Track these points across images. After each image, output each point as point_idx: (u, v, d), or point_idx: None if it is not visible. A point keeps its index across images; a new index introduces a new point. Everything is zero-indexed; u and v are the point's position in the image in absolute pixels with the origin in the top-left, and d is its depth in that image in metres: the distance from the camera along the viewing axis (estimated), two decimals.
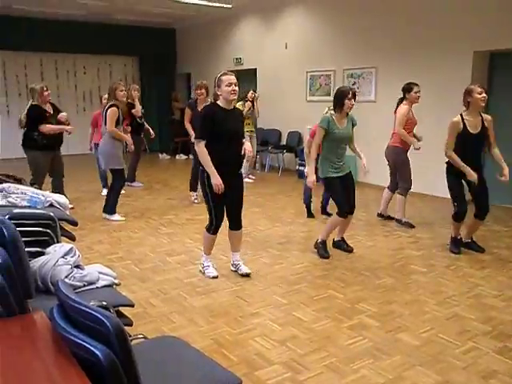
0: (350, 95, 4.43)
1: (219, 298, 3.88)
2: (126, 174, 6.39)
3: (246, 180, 8.67)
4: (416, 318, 3.51)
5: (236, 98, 3.98)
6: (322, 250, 4.82)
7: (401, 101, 5.67)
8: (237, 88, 3.91)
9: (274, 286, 4.10)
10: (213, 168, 3.87)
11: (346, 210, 4.65)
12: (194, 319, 3.49)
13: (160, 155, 11.87)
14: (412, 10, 7.31)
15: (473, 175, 4.51)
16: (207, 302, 3.78)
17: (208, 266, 4.31)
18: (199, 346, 2.98)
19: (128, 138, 5.97)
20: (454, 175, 4.68)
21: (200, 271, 4.36)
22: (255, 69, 10.63)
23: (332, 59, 8.76)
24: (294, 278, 4.26)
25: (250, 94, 8.74)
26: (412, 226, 5.76)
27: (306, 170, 4.93)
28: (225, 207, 4.14)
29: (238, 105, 8.73)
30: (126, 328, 2.55)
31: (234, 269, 4.39)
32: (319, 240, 4.87)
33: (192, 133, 6.30)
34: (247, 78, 11.12)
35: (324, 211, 6.28)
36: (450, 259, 4.72)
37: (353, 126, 4.66)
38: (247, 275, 4.28)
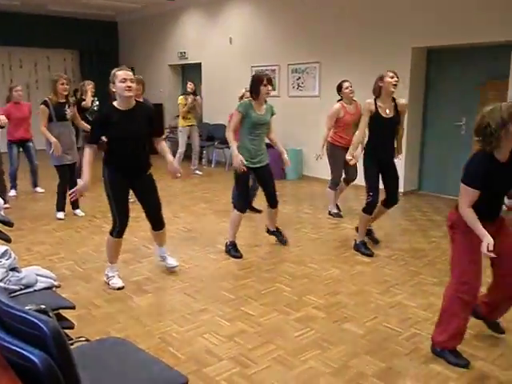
0: (265, 81, 4.39)
1: (166, 295, 3.82)
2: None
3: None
4: (361, 307, 3.60)
5: (132, 95, 3.63)
6: (232, 251, 4.69)
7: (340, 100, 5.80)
8: (133, 84, 3.59)
9: (222, 281, 4.09)
10: (85, 168, 3.72)
11: (244, 206, 4.63)
12: (141, 318, 3.42)
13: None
14: (354, 6, 7.45)
15: None
16: (154, 301, 3.72)
17: (112, 277, 3.97)
18: (146, 346, 2.93)
19: (52, 138, 5.58)
20: (371, 164, 4.60)
21: (105, 282, 4.02)
22: (200, 63, 10.53)
23: (276, 54, 8.81)
24: (242, 273, 4.27)
25: (189, 85, 8.62)
26: (340, 216, 6.05)
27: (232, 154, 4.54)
28: (144, 210, 4.09)
29: (180, 99, 8.60)
30: (68, 331, 2.44)
31: (160, 260, 4.32)
32: (228, 242, 4.75)
33: None
34: (193, 72, 11.01)
35: (249, 206, 6.19)
36: (392, 249, 4.87)
37: (271, 115, 4.61)
38: (173, 268, 4.24)
